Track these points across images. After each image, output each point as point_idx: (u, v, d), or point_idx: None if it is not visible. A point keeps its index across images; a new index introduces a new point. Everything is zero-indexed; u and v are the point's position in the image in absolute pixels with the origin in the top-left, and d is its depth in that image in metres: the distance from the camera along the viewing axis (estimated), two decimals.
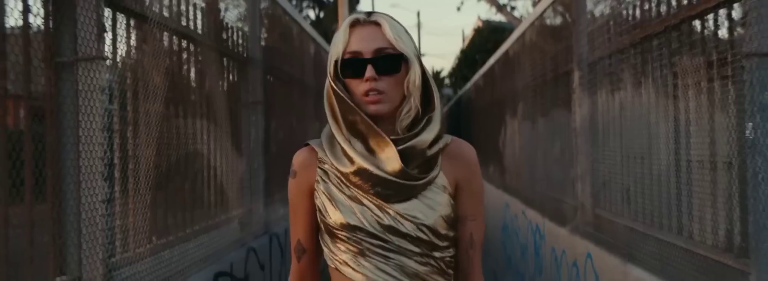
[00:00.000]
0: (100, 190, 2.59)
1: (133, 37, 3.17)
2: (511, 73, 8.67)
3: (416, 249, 1.86)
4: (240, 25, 5.20)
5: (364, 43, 1.85)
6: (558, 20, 6.03)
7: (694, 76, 3.12)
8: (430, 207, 1.87)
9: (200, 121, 4.01)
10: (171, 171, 3.50)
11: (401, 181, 1.83)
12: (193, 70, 4.03)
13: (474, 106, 13.81)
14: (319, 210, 1.91)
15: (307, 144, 1.97)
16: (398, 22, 1.90)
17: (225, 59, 4.64)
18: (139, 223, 3.02)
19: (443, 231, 1.89)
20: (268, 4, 5.99)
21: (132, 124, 3.05)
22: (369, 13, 1.90)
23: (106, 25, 2.85)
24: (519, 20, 19.59)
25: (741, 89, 2.69)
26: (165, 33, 3.50)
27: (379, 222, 1.85)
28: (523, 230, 7.49)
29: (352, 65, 1.85)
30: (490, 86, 11.00)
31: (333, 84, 1.87)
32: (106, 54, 2.74)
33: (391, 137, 1.85)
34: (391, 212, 1.85)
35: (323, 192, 1.89)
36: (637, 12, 3.94)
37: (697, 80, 3.11)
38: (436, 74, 37.18)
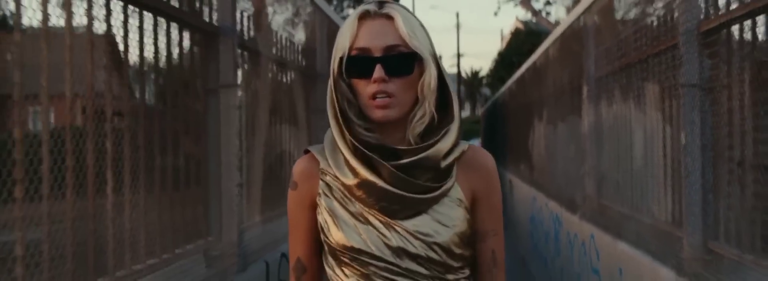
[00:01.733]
0: (235, 177, 3.82)
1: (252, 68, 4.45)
2: (538, 82, 9.83)
3: (427, 272, 1.68)
4: (306, 43, 6.39)
5: (373, 39, 1.65)
6: (573, 42, 7.18)
7: (653, 97, 4.28)
8: (443, 223, 1.69)
9: (287, 126, 5.24)
10: (272, 164, 4.74)
11: (409, 195, 1.65)
12: (283, 88, 5.27)
13: (507, 108, 14.93)
14: (321, 228, 1.73)
15: (308, 151, 1.79)
16: (414, 16, 1.71)
17: (302, 76, 5.87)
18: (254, 202, 4.27)
19: (458, 251, 1.72)
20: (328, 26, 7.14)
21: (251, 131, 4.29)
22: (381, 4, 1.70)
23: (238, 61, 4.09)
24: (554, 25, 20.63)
25: (678, 109, 3.84)
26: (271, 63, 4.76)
27: (385, 244, 1.67)
28: (546, 219, 8.63)
29: (359, 64, 1.65)
30: (521, 92, 12.15)
31: (337, 84, 1.68)
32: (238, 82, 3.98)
33: (401, 147, 1.67)
34: (399, 230, 1.67)
35: (326, 209, 1.71)
36: (622, 44, 5.09)
37: (654, 100, 4.26)
38: (475, 74, 37.90)
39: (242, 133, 3.99)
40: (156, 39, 3.28)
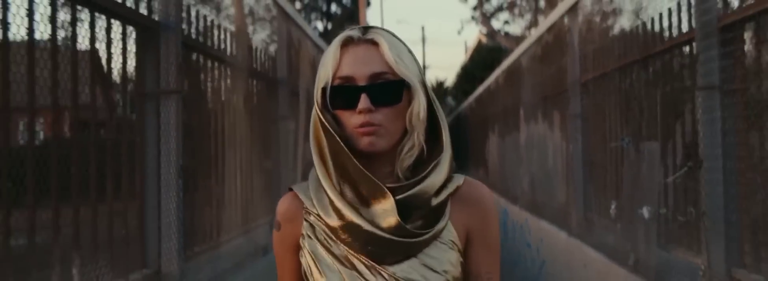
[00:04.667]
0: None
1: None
2: (491, 103, 12.12)
3: None
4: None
5: (357, 67, 1.51)
6: (514, 75, 9.44)
7: (557, 121, 6.54)
8: (433, 268, 1.53)
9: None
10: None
11: (396, 239, 1.50)
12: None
13: (467, 121, 17.25)
14: (304, 272, 1.60)
15: (291, 190, 1.64)
16: (400, 40, 1.57)
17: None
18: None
19: None
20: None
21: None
22: (365, 29, 1.57)
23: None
24: (513, 41, 22.93)
25: (568, 131, 6.09)
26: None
27: None
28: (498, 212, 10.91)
29: (343, 94, 1.51)
30: (479, 109, 14.44)
31: (321, 115, 1.53)
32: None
33: (389, 184, 1.52)
34: (385, 276, 1.52)
35: (309, 252, 1.57)
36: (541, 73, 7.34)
37: (558, 124, 6.52)
38: (440, 85, 39.54)
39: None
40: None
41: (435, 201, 1.54)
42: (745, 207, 3.23)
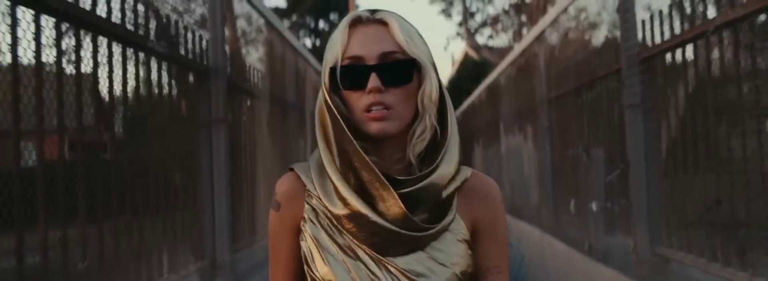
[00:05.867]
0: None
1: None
2: (475, 116, 13.15)
3: None
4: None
5: (367, 46, 1.46)
6: (494, 94, 10.47)
7: (529, 134, 7.55)
8: (440, 261, 1.48)
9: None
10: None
11: (403, 232, 1.45)
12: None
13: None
14: (305, 257, 1.52)
15: (292, 170, 1.58)
16: (409, 23, 1.52)
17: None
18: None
19: None
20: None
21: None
22: (373, 11, 1.51)
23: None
24: (498, 55, 23.96)
25: (537, 141, 7.10)
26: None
27: None
28: None
29: (352, 73, 1.45)
30: (464, 121, 15.50)
31: (328, 97, 1.47)
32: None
33: (399, 173, 1.48)
34: (391, 269, 1.46)
35: (311, 237, 1.50)
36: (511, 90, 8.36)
37: (529, 136, 7.54)
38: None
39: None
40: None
41: (444, 194, 1.49)
42: (662, 199, 4.22)
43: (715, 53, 3.38)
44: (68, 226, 2.66)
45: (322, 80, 1.50)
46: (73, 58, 2.83)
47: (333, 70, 1.48)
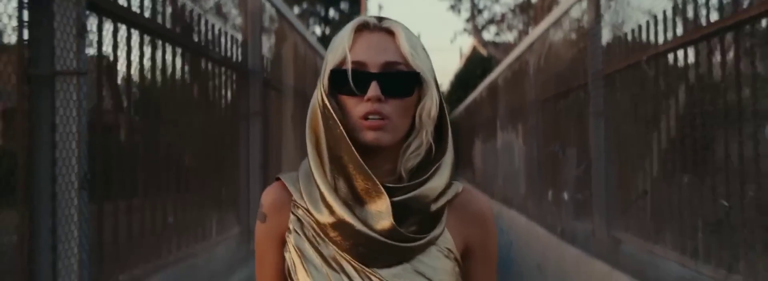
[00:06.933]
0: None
1: None
2: (475, 113, 14.10)
3: None
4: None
5: (371, 53, 1.43)
6: (491, 95, 11.40)
7: (520, 133, 8.49)
8: (426, 275, 1.45)
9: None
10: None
11: (389, 242, 1.41)
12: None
13: (458, 127, 19.27)
14: (288, 269, 1.50)
15: (279, 180, 1.54)
16: (415, 35, 1.50)
17: None
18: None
19: None
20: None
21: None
22: (380, 19, 1.49)
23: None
24: (504, 51, 24.81)
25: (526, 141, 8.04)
26: None
27: None
28: None
29: (353, 78, 1.42)
30: (466, 117, 16.46)
31: (325, 100, 1.44)
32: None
33: (388, 183, 1.43)
34: (375, 279, 1.43)
35: (294, 248, 1.47)
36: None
37: (520, 135, 8.48)
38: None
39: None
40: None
41: (433, 207, 1.45)
42: (618, 191, 5.15)
43: (650, 75, 4.31)
44: (153, 196, 3.63)
45: (321, 81, 1.47)
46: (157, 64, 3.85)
47: (333, 72, 1.45)
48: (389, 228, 1.41)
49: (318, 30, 34.46)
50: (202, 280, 4.00)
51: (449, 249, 1.48)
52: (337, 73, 1.43)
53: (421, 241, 1.43)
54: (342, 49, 1.44)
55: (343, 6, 34.64)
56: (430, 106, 1.46)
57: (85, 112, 2.61)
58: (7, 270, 2.53)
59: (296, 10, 31.23)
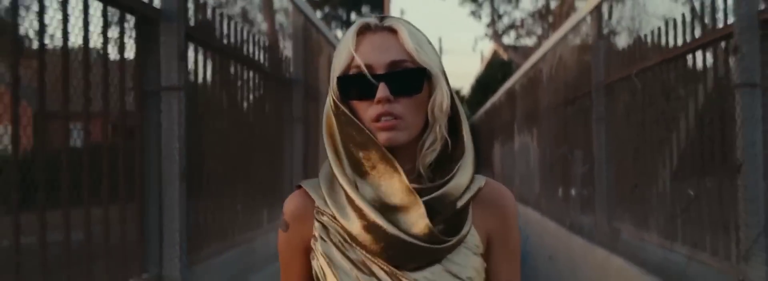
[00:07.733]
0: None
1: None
2: (495, 117, 14.82)
3: None
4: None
5: (375, 55, 1.42)
6: (509, 100, 12.11)
7: (537, 135, 9.21)
8: (457, 275, 1.44)
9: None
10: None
11: (423, 244, 1.40)
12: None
13: (478, 129, 20.01)
14: (316, 276, 1.49)
15: (300, 187, 1.54)
16: (419, 30, 1.48)
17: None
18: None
19: None
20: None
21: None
22: (382, 18, 1.47)
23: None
24: (523, 56, 25.44)
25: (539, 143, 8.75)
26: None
27: None
28: None
29: (359, 83, 1.41)
30: (486, 121, 17.18)
31: (336, 106, 1.44)
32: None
33: (413, 185, 1.41)
34: None
35: (322, 255, 1.46)
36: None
37: (536, 137, 9.20)
38: (456, 93, 41.25)
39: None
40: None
41: (459, 204, 1.42)
42: (617, 187, 5.85)
43: (639, 87, 5.02)
44: (221, 189, 4.41)
45: (331, 89, 1.46)
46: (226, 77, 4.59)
47: (340, 79, 1.43)
48: (426, 231, 1.39)
49: (340, 34, 34.22)
50: (259, 259, 4.74)
51: (477, 246, 1.47)
52: (344, 80, 1.43)
53: (453, 241, 1.42)
54: (346, 53, 1.43)
55: (365, 10, 35.16)
56: (442, 99, 1.43)
57: (185, 118, 3.37)
58: (119, 246, 3.28)
59: (318, 14, 31.73)
